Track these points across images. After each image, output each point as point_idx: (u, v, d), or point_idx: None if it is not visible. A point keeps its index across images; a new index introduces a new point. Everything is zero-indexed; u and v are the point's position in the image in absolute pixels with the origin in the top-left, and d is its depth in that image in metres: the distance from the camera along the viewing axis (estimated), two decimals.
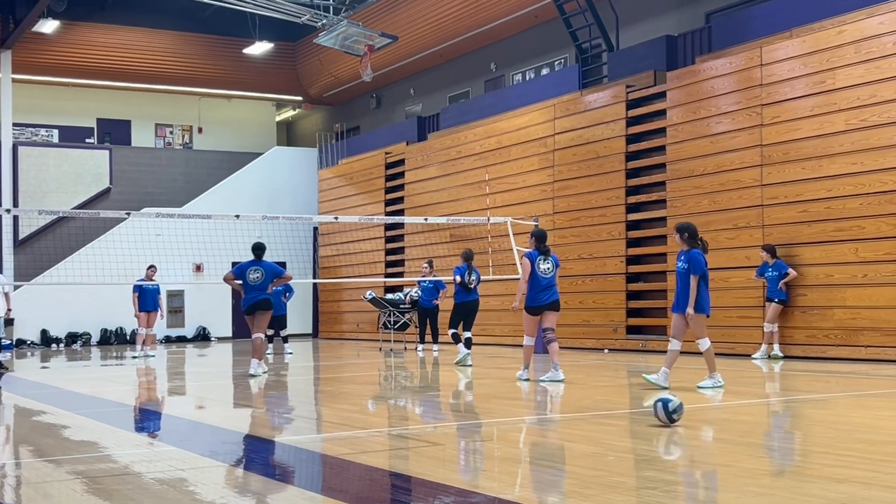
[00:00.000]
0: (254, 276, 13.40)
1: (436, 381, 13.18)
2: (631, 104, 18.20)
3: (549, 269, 11.57)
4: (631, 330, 18.02)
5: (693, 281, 10.26)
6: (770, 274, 15.01)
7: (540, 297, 11.53)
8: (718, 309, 16.31)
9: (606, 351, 17.83)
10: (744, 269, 15.81)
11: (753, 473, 5.78)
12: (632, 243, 18.18)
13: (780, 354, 14.93)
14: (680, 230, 10.64)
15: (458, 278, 15.79)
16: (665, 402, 7.47)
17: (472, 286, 15.79)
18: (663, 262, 17.34)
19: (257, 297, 13.39)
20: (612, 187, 18.34)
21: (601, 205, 18.55)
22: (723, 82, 16.31)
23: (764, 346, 15.10)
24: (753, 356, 15.15)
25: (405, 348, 20.07)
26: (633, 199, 18.08)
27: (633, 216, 18.07)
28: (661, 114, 17.58)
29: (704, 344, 10.48)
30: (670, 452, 6.76)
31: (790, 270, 14.85)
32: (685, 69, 17.24)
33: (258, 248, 13.68)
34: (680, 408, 7.46)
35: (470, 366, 14.76)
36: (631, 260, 18.17)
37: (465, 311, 15.81)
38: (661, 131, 17.55)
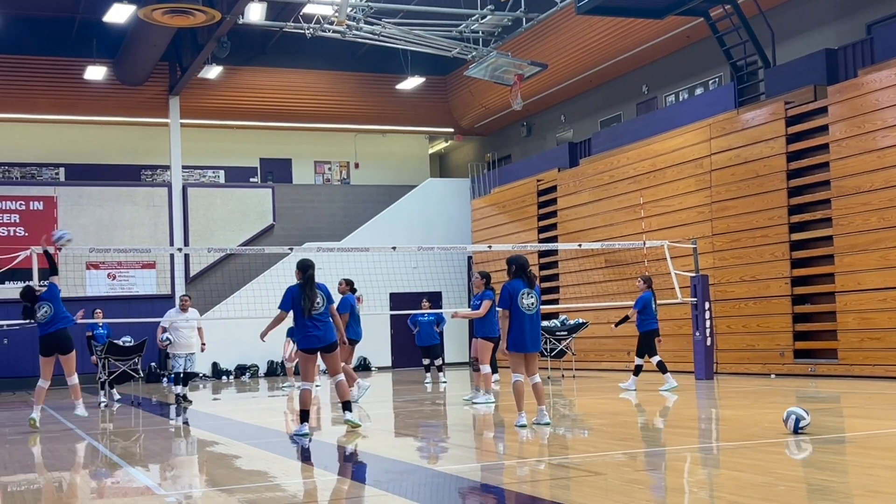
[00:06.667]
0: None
1: (596, 409, 13.02)
2: (790, 121, 17.63)
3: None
4: (799, 354, 17.36)
5: None
6: None
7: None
8: (889, 331, 15.54)
9: (773, 376, 17.23)
10: None
11: None
12: (797, 264, 17.56)
13: None
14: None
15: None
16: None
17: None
18: (831, 282, 16.66)
19: None
20: (773, 207, 17.78)
21: (762, 225, 18.00)
22: (888, 94, 15.60)
23: None
24: None
25: (563, 375, 19.94)
26: (796, 219, 17.47)
27: (797, 236, 17.45)
28: (823, 129, 16.96)
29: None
30: (844, 481, 6.47)
31: None
32: (847, 83, 16.60)
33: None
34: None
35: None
36: (796, 281, 17.54)
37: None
38: (824, 147, 16.93)
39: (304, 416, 10.39)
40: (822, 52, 17.53)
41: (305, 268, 10.41)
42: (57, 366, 12.58)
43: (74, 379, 12.64)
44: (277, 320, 10.62)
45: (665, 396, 14.21)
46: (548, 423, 10.24)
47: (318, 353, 10.50)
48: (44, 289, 12.67)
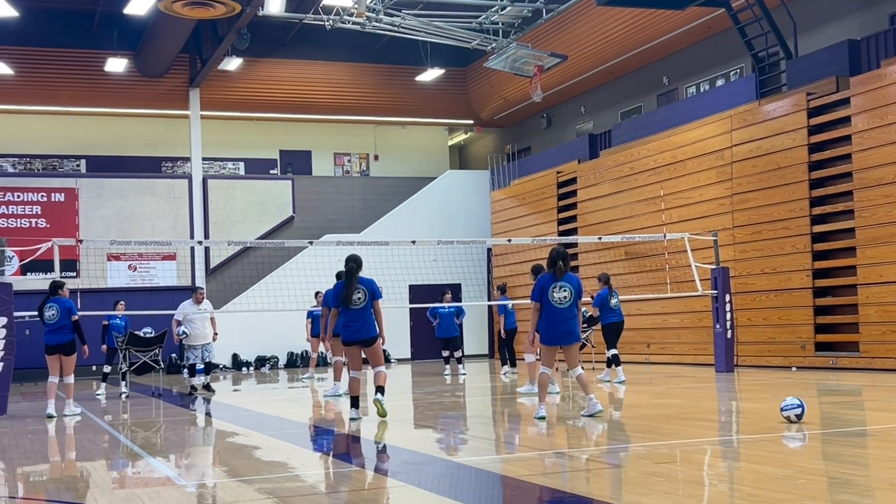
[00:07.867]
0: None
1: (615, 402, 12.99)
2: (812, 112, 17.50)
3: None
4: (820, 346, 17.25)
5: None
6: None
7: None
8: None
9: (794, 369, 17.14)
10: None
11: None
12: (818, 256, 17.44)
13: None
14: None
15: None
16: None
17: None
18: (853, 275, 16.54)
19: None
20: (794, 199, 17.66)
21: (784, 217, 17.90)
22: None
23: None
24: None
25: (582, 368, 19.87)
26: (817, 211, 17.35)
27: (819, 228, 17.33)
28: (846, 121, 16.83)
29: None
30: (865, 475, 6.43)
31: None
32: (870, 74, 16.46)
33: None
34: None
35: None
36: (817, 273, 17.42)
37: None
38: (846, 139, 16.80)
39: (353, 401, 10.86)
40: (845, 43, 17.38)
41: (346, 262, 10.78)
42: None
43: (71, 379, 13.37)
44: (332, 317, 11.31)
45: (617, 387, 14.61)
46: (601, 411, 10.38)
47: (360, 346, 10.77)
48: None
